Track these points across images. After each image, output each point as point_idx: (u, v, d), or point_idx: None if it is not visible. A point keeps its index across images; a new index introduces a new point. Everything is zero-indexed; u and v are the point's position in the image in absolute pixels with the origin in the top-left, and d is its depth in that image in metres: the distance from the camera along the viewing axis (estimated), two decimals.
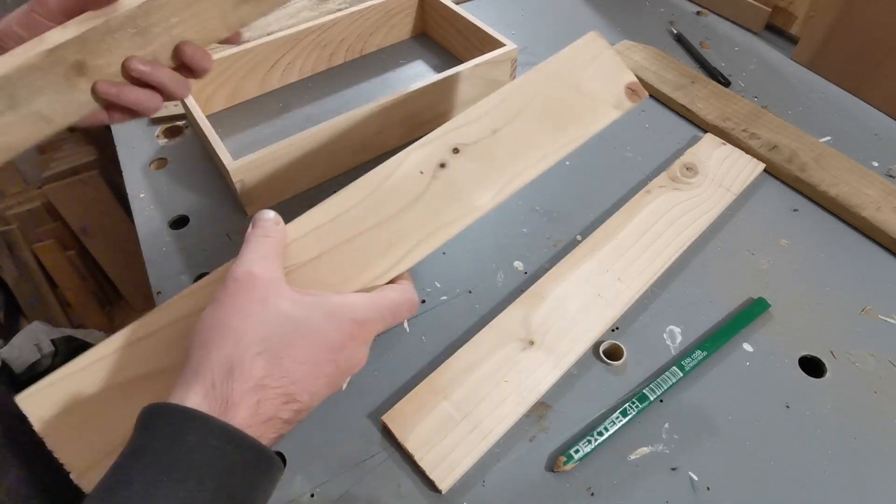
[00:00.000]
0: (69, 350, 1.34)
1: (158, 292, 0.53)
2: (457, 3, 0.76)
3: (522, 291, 0.50)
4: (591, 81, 0.46)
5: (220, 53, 0.65)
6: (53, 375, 0.34)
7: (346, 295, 0.33)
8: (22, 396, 0.33)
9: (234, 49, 0.66)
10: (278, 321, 0.30)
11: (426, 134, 0.41)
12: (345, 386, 0.34)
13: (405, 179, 0.39)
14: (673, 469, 0.41)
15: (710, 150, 0.60)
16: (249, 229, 0.34)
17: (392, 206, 0.38)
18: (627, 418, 0.42)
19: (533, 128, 0.43)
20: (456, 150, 0.41)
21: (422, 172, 0.39)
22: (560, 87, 0.45)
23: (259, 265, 0.32)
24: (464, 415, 0.42)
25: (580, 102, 0.45)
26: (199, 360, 0.29)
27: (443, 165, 0.40)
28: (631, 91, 0.47)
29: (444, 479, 0.40)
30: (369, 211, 0.38)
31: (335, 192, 0.38)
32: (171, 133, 0.67)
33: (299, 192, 0.60)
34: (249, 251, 0.33)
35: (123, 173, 0.63)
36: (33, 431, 0.33)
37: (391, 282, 0.37)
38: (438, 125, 0.41)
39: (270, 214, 0.35)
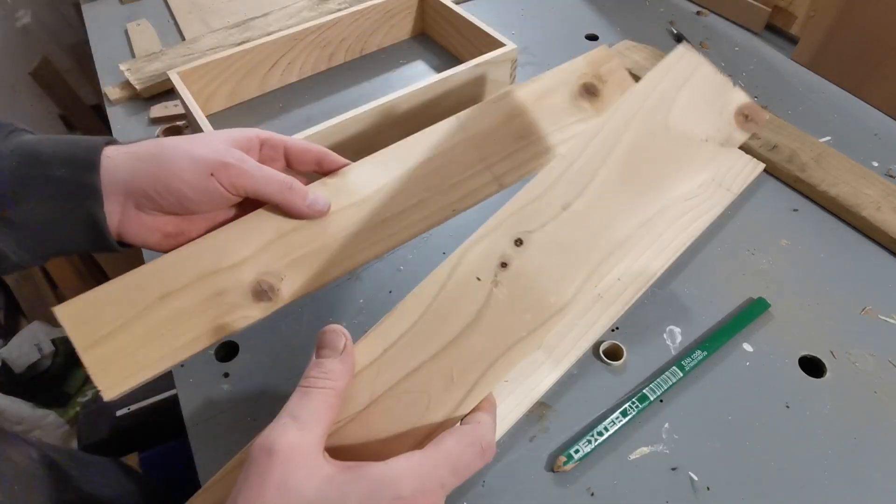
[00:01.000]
0: (69, 350, 1.34)
1: None
2: (457, 3, 0.76)
3: None
4: (687, 113, 0.36)
5: (220, 53, 0.65)
6: None
7: (391, 464, 0.26)
8: None
9: (235, 49, 0.66)
10: None
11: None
12: None
13: (459, 291, 0.32)
14: (673, 469, 0.41)
15: None
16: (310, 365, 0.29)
17: (448, 328, 0.31)
18: (627, 418, 0.42)
19: (615, 194, 0.34)
20: (519, 242, 0.33)
21: (479, 279, 0.32)
22: (645, 130, 0.35)
23: (285, 435, 0.25)
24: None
25: (675, 145, 0.35)
26: None
27: (504, 265, 0.32)
28: (743, 117, 0.36)
29: None
30: (421, 340, 0.31)
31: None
32: (171, 133, 0.67)
33: None
34: (287, 411, 0.27)
35: None
36: None
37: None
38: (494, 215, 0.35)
39: (340, 342, 0.29)
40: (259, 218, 0.37)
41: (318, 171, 0.40)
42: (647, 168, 0.35)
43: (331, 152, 0.40)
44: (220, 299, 0.35)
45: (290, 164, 0.40)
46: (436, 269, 0.32)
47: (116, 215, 0.35)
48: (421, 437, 0.30)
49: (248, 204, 0.38)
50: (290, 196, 0.36)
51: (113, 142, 0.36)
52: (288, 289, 0.36)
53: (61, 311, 0.34)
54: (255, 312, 0.35)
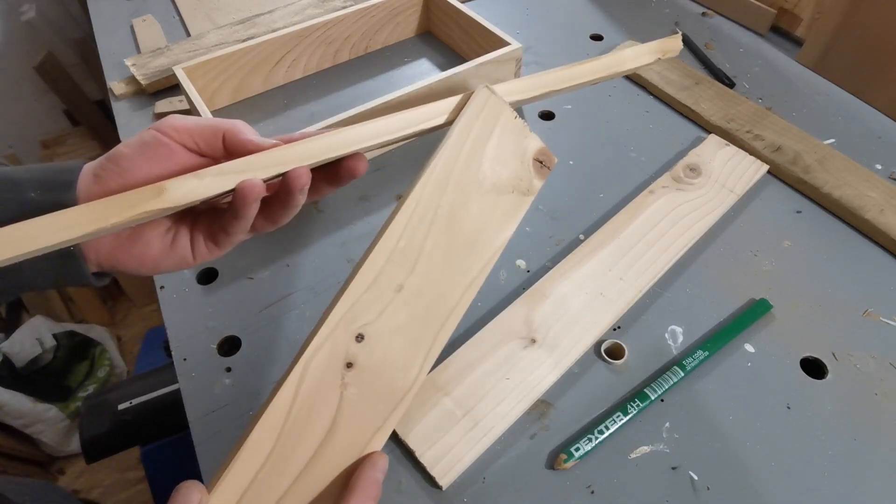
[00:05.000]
0: (70, 345, 1.34)
1: (161, 287, 0.53)
2: (462, 2, 0.76)
3: (525, 289, 0.50)
4: (495, 165, 0.36)
5: (225, 50, 0.65)
6: None
7: None
8: None
9: (240, 45, 0.66)
10: None
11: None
12: None
13: (309, 407, 0.30)
14: (673, 468, 0.41)
15: (713, 151, 0.60)
16: None
17: (306, 447, 0.30)
18: (628, 417, 0.42)
19: (443, 262, 0.34)
20: (360, 337, 0.32)
21: (328, 392, 0.31)
22: (461, 191, 0.34)
23: None
24: (465, 412, 0.42)
25: (488, 200, 0.35)
26: None
27: (350, 365, 0.31)
28: (539, 164, 0.37)
29: (445, 476, 0.40)
30: (280, 469, 0.29)
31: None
32: None
33: None
34: None
35: None
36: None
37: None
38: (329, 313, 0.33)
39: (193, 500, 0.27)
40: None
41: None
42: (466, 228, 0.35)
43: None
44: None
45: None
46: (280, 390, 0.30)
47: (106, 241, 0.33)
48: None
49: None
50: (235, 130, 0.33)
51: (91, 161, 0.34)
52: None
53: None
54: None
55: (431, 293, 0.33)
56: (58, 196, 0.31)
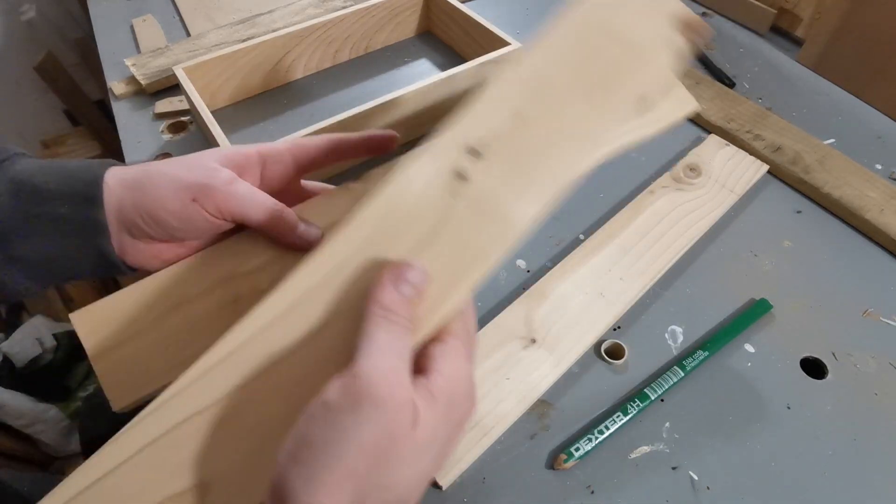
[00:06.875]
0: (71, 345, 1.34)
1: None
2: (462, 2, 0.76)
3: (525, 289, 0.50)
4: (631, 23, 0.34)
5: (225, 49, 0.65)
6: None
7: (449, 366, 0.26)
8: None
9: (240, 45, 0.66)
10: (414, 458, 0.24)
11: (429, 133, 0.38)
12: None
13: (417, 208, 0.29)
14: (673, 468, 0.41)
15: (713, 151, 0.60)
16: (385, 288, 0.26)
17: (403, 244, 0.28)
18: (628, 417, 0.42)
19: (569, 101, 0.32)
20: (474, 152, 0.30)
21: (436, 194, 0.29)
22: (591, 40, 0.33)
23: (391, 377, 0.23)
24: None
25: (623, 54, 0.33)
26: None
27: (462, 177, 0.30)
28: (685, 25, 0.35)
29: (445, 476, 0.40)
30: (372, 266, 0.28)
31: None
32: (176, 128, 0.67)
33: None
34: (377, 345, 0.24)
35: None
36: None
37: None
38: (442, 124, 0.31)
39: (418, 276, 0.27)
40: None
41: (342, 160, 0.38)
42: (600, 76, 0.33)
43: (343, 137, 0.37)
44: (236, 307, 0.32)
45: (307, 170, 0.38)
46: (389, 186, 0.29)
47: (115, 244, 0.34)
48: None
49: (242, 229, 0.36)
50: (280, 225, 0.34)
51: (112, 164, 0.35)
52: None
53: (76, 318, 0.33)
54: None
55: (558, 128, 0.31)
56: (88, 212, 0.33)
